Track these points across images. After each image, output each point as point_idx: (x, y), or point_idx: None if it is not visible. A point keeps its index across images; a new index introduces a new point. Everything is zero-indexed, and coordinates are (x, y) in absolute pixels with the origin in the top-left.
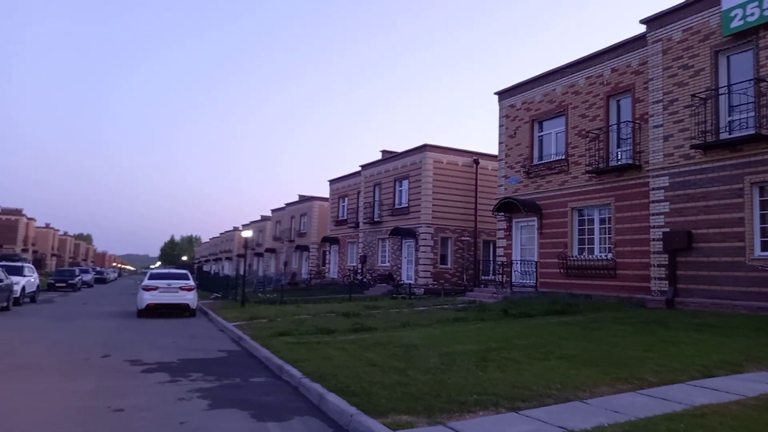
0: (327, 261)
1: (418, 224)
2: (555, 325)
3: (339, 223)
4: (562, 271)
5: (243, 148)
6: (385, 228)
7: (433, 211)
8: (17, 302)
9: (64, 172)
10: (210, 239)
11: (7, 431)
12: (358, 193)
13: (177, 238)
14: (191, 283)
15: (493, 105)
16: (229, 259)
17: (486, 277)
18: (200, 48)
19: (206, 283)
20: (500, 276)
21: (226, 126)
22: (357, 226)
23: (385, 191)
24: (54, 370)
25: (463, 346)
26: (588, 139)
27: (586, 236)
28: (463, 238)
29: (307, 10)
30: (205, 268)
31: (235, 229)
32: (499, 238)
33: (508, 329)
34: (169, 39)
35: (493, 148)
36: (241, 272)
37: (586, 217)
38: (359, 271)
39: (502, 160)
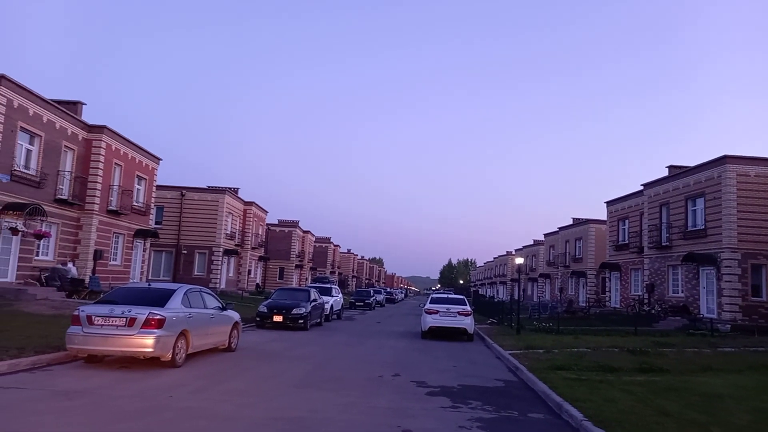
0: (607, 288)
1: (719, 249)
2: None
3: (619, 247)
4: None
5: (509, 170)
6: (675, 253)
7: (738, 233)
8: (327, 319)
9: (363, 200)
10: (484, 263)
11: None
12: (641, 214)
13: (454, 261)
14: (468, 308)
15: None
16: (503, 283)
17: None
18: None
19: (482, 307)
20: None
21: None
22: (641, 251)
23: (674, 212)
24: (356, 386)
25: None
26: None
27: None
28: None
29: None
30: (480, 291)
31: (508, 253)
32: None
33: None
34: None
35: None
36: (515, 297)
37: None
38: (646, 301)
39: None
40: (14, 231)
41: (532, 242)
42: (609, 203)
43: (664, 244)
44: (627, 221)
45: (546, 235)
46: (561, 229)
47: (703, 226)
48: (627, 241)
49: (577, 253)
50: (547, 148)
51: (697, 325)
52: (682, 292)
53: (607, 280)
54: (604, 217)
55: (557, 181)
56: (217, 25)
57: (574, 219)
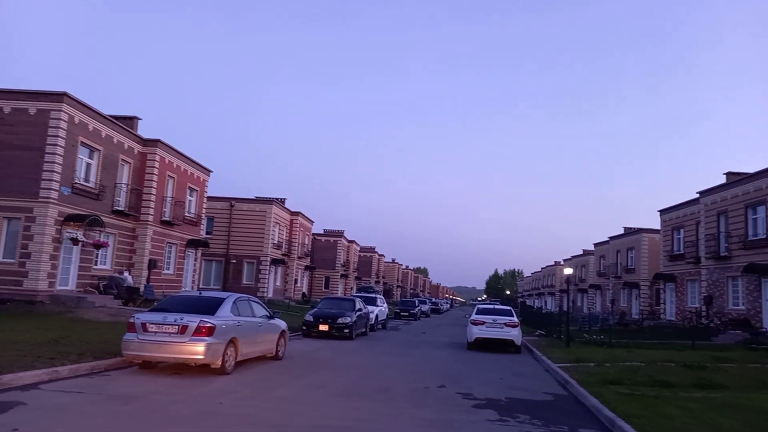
0: (661, 300)
1: None
2: None
3: (674, 258)
4: None
5: (556, 179)
6: (735, 264)
7: None
8: (372, 328)
9: (409, 211)
10: (532, 273)
11: None
12: (697, 223)
13: (500, 272)
14: (515, 319)
15: None
16: (551, 294)
17: None
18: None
19: (529, 318)
20: None
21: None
22: (697, 261)
23: (733, 220)
24: (402, 396)
25: None
26: None
27: None
28: None
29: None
30: (528, 302)
31: (557, 263)
32: None
33: None
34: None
35: None
36: (564, 309)
37: None
38: (703, 314)
39: None
40: (75, 241)
41: (581, 252)
42: (662, 212)
43: (722, 254)
44: (682, 230)
45: (596, 244)
46: (612, 238)
47: (764, 235)
48: (682, 251)
49: (629, 264)
50: (594, 156)
51: (760, 340)
52: (743, 304)
53: (661, 291)
54: (657, 226)
55: (606, 190)
56: (224, 35)
57: (625, 228)
